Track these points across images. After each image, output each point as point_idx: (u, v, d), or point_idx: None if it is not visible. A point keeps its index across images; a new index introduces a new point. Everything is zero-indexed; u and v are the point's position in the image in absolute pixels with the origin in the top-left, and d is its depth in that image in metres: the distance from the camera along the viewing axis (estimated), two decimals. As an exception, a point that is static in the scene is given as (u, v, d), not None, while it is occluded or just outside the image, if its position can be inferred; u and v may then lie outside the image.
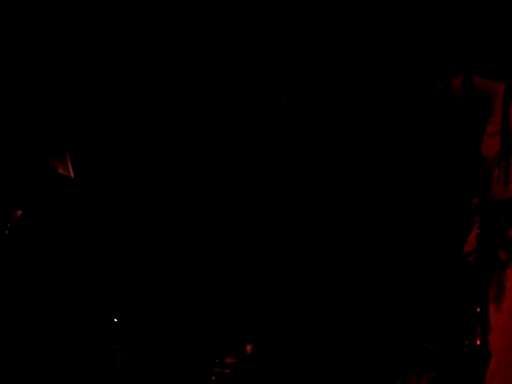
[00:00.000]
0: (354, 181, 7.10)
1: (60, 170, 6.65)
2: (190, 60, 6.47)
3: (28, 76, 6.28)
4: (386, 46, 5.99)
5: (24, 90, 6.34)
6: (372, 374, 6.43)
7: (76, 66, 6.42)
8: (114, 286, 6.65)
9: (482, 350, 4.79)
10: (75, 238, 6.38)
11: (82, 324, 6.04)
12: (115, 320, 6.67)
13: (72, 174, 6.72)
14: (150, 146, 6.98)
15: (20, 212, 6.50)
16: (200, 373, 7.03)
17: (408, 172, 6.71)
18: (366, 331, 6.81)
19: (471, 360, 4.81)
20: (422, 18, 5.66)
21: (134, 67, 6.52)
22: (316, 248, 7.32)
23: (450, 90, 2.50)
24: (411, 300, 6.59)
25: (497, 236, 2.20)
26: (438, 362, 5.07)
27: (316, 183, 7.18)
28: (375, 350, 6.54)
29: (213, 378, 6.95)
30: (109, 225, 6.85)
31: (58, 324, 5.84)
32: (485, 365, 2.26)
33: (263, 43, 6.25)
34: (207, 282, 7.37)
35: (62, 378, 5.35)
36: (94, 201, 6.79)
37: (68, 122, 6.79)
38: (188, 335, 7.34)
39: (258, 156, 7.16)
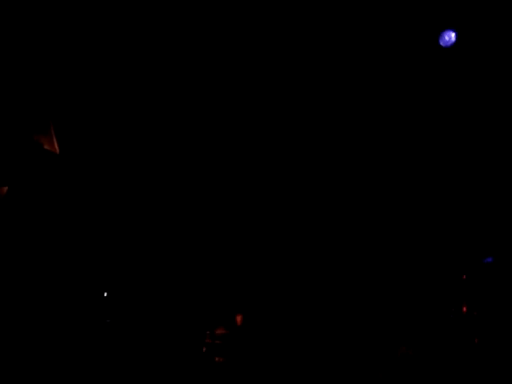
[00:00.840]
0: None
1: (45, 146, 6.59)
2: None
3: (13, 49, 6.19)
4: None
5: (8, 63, 6.25)
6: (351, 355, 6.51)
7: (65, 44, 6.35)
8: (104, 262, 6.66)
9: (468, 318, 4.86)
10: (62, 216, 6.36)
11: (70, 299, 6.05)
12: (105, 294, 6.69)
13: (57, 150, 6.66)
14: (139, 120, 6.92)
15: (6, 188, 6.47)
16: (191, 344, 7.09)
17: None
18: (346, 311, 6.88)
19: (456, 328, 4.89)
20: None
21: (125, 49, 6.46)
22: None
23: None
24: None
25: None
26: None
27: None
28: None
29: (203, 349, 7.02)
30: (96, 202, 6.82)
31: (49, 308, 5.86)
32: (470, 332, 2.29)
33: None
34: (199, 259, 7.39)
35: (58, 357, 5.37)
36: (81, 176, 6.75)
37: (52, 96, 6.71)
38: (178, 307, 7.37)
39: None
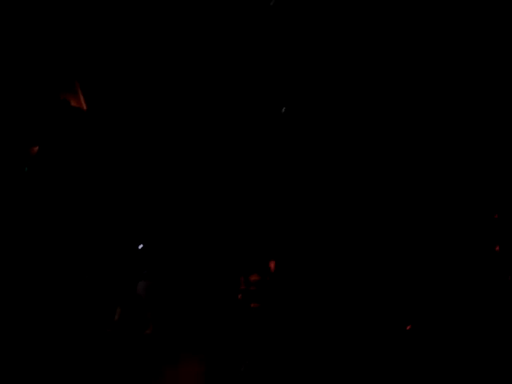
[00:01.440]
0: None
1: (72, 103, 6.64)
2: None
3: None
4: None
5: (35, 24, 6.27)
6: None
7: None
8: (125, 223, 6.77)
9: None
10: (90, 173, 6.45)
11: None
12: (139, 247, 6.84)
13: (84, 106, 6.71)
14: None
15: (36, 148, 6.59)
16: (225, 292, 7.22)
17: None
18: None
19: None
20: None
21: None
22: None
23: None
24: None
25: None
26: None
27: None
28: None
29: (239, 296, 7.15)
30: (123, 157, 6.89)
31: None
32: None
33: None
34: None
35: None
36: (109, 133, 6.80)
37: (76, 53, 6.71)
38: (211, 253, 7.49)
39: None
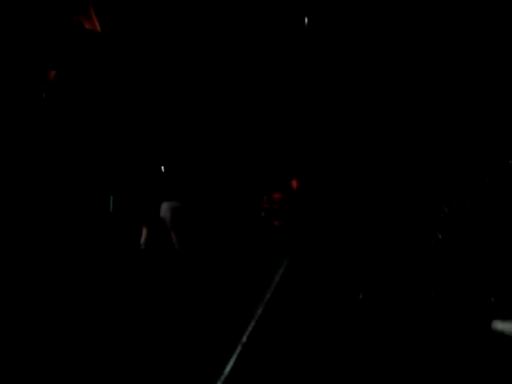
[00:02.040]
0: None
1: (86, 25, 6.52)
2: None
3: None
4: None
5: None
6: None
7: None
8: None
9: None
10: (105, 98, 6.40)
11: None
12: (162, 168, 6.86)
13: (99, 28, 6.59)
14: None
15: (54, 72, 6.53)
16: (250, 210, 7.30)
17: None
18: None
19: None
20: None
21: None
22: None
23: None
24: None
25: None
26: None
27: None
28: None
29: (262, 214, 7.22)
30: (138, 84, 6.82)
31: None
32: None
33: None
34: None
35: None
36: (123, 54, 6.71)
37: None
38: (234, 174, 7.53)
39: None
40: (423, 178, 6.62)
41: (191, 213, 6.21)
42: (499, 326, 4.08)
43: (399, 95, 6.75)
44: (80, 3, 6.49)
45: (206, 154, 7.35)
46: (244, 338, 1.03)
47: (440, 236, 5.51)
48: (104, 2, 6.56)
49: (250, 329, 1.05)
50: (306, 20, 6.38)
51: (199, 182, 7.15)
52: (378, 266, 5.37)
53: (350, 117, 7.19)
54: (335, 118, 7.23)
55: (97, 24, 6.57)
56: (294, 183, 7.29)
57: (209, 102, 7.35)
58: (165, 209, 6.11)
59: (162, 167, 7.01)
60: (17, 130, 6.03)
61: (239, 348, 1.00)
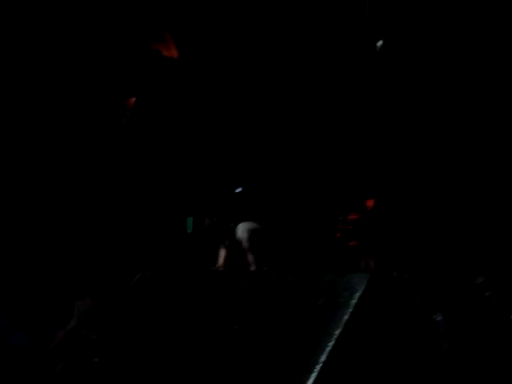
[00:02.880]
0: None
1: (164, 53, 6.74)
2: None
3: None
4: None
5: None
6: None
7: None
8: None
9: None
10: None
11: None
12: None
13: (176, 54, 6.79)
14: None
15: (134, 99, 6.77)
16: (324, 231, 7.27)
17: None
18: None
19: None
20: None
21: None
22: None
23: None
24: None
25: None
26: None
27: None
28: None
29: (337, 235, 7.18)
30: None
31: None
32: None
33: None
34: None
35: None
36: (202, 80, 6.88)
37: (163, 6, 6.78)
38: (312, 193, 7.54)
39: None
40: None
41: (268, 234, 6.25)
42: None
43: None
44: (157, 32, 6.72)
45: (283, 176, 7.40)
46: (323, 357, 1.05)
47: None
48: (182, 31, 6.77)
49: (328, 348, 1.07)
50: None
51: (276, 203, 7.20)
52: (457, 288, 5.24)
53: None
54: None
55: (175, 50, 6.78)
56: (370, 203, 7.23)
57: (283, 123, 7.42)
58: (241, 230, 6.16)
59: (239, 189, 7.10)
60: (102, 155, 6.27)
61: (318, 368, 1.02)
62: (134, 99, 6.74)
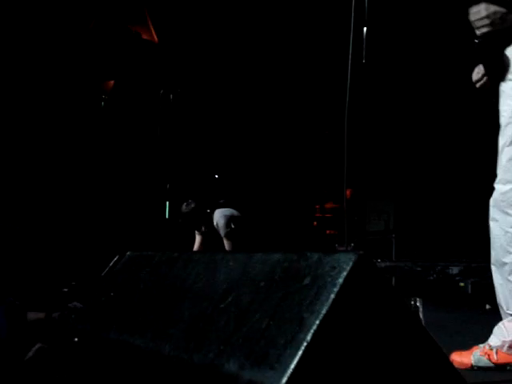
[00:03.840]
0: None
1: (144, 36, 6.67)
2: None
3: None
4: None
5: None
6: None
7: None
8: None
9: None
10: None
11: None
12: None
13: (156, 39, 6.73)
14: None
15: (112, 82, 6.69)
16: (302, 219, 7.30)
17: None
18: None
19: None
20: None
21: None
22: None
23: None
24: None
25: None
26: None
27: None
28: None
29: (314, 223, 7.22)
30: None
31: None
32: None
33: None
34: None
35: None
36: (180, 64, 6.82)
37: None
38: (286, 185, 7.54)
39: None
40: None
41: (244, 220, 6.21)
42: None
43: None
44: (138, 15, 6.64)
45: (260, 163, 7.39)
46: (308, 337, 1.04)
47: None
48: (161, 14, 6.70)
49: (315, 327, 1.05)
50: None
51: (253, 190, 7.19)
52: (432, 277, 5.29)
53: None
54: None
55: (154, 35, 6.72)
56: (347, 193, 7.26)
57: (263, 112, 7.40)
58: (218, 216, 6.12)
59: (216, 175, 7.08)
60: (76, 137, 6.19)
61: (304, 344, 1.01)
62: (112, 82, 6.66)
